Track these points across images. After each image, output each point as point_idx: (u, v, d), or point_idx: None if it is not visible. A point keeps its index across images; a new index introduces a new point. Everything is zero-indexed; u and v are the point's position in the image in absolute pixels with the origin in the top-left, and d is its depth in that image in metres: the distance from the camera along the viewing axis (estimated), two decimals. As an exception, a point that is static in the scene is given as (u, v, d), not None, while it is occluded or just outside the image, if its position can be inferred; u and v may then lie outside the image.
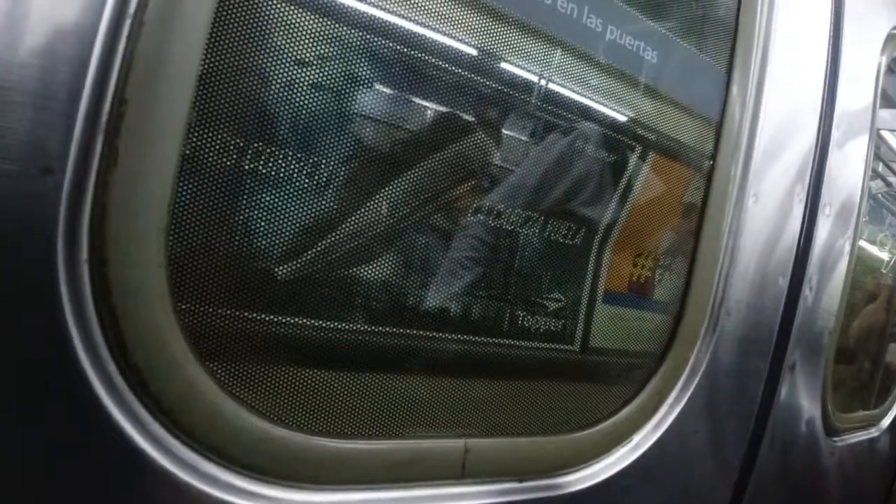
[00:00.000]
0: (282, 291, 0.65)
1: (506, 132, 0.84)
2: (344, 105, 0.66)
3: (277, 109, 0.61)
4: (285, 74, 0.61)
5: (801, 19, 1.11)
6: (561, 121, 0.86)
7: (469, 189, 0.79)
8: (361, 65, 0.66)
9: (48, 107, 0.45)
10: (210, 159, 0.57)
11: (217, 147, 0.57)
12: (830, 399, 1.44)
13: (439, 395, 0.78)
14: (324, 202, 0.66)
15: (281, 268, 0.64)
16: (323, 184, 0.65)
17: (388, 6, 0.65)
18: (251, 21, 0.57)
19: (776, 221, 1.11)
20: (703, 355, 1.01)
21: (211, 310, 0.59)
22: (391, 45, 0.67)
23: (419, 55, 0.69)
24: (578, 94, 0.86)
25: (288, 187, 0.63)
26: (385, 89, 0.70)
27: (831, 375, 1.43)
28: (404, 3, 0.67)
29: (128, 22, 0.48)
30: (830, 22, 1.17)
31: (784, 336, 1.17)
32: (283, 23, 0.59)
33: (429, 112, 0.74)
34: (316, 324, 0.69)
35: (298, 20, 0.60)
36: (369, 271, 0.73)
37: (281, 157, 0.61)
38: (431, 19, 0.69)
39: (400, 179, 0.72)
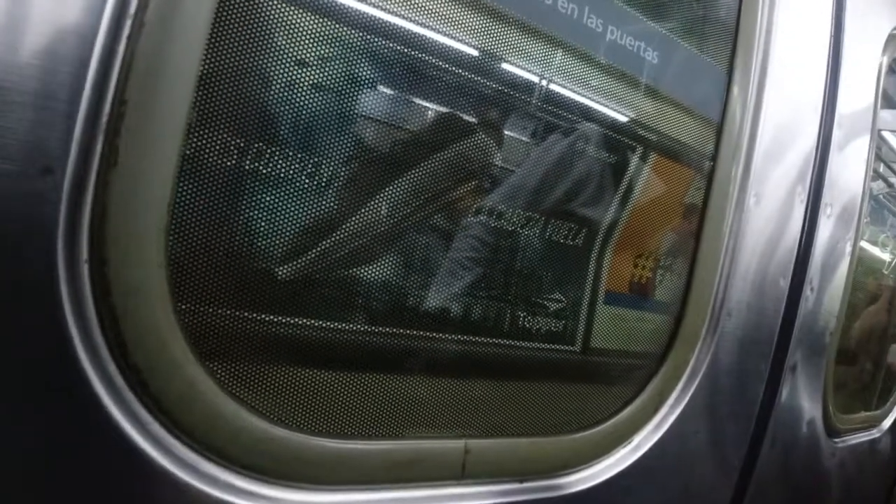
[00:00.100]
0: (282, 291, 0.65)
1: (507, 133, 0.84)
2: (344, 105, 0.66)
3: (278, 110, 0.61)
4: (286, 75, 0.61)
5: (801, 20, 1.11)
6: (562, 122, 0.86)
7: (470, 189, 0.79)
8: (362, 65, 0.66)
9: (48, 107, 0.45)
10: (210, 160, 0.57)
11: (217, 147, 0.57)
12: (831, 400, 1.44)
13: (439, 396, 0.78)
14: (324, 203, 0.66)
15: (281, 268, 0.64)
16: (323, 184, 0.65)
17: (388, 6, 0.65)
18: (251, 21, 0.57)
19: (777, 222, 1.11)
20: (703, 356, 1.01)
21: (211, 310, 0.59)
22: (392, 45, 0.67)
23: (420, 56, 0.69)
24: (579, 94, 0.86)
25: (288, 187, 0.63)
26: (385, 90, 0.70)
27: (832, 376, 1.43)
28: (405, 3, 0.67)
29: (128, 22, 0.48)
30: (831, 22, 1.17)
31: (785, 337, 1.17)
32: (284, 23, 0.59)
33: (429, 113, 0.74)
34: (316, 324, 0.69)
35: (299, 20, 0.60)
36: (370, 272, 0.73)
37: (281, 157, 0.61)
38: (432, 20, 0.69)
39: (400, 180, 0.72)
